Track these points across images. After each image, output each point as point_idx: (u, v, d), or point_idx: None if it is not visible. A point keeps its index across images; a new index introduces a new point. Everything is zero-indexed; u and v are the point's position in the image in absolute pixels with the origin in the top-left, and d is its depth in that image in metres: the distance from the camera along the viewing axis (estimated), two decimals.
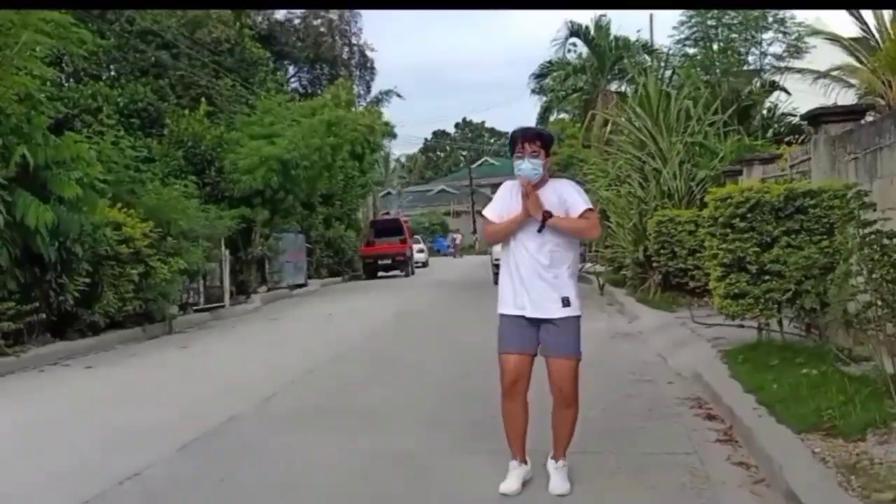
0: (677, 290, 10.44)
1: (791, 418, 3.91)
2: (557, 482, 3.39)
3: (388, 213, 32.65)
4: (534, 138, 3.43)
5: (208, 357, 8.42)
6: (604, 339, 8.11)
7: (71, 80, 15.37)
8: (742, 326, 6.45)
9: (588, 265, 15.59)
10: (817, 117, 6.24)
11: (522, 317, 3.40)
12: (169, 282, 10.17)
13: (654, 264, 10.88)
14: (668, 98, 12.37)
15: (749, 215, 5.67)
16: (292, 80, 27.52)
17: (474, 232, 44.45)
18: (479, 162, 59.96)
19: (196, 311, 12.27)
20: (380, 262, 24.31)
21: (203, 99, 16.09)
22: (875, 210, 4.60)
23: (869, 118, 5.75)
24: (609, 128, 14.87)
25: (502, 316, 3.47)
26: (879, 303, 4.05)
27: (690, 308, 9.01)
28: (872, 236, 4.19)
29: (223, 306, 13.34)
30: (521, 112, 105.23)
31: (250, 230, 15.64)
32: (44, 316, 8.18)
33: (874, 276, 4.07)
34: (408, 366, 7.08)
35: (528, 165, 3.39)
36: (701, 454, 3.86)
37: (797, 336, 5.96)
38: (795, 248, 5.51)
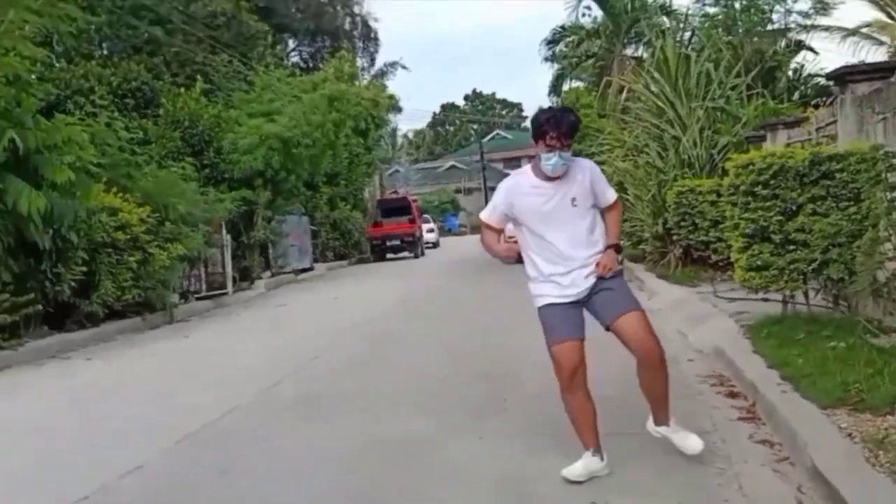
0: (699, 263, 10.16)
1: (816, 393, 3.76)
2: (688, 440, 3.29)
3: (395, 192, 32.19)
4: (570, 133, 3.13)
5: (211, 346, 8.26)
6: None
7: (62, 60, 14.99)
8: (766, 300, 6.22)
9: None
10: (843, 76, 5.93)
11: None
12: (168, 269, 9.94)
13: (675, 237, 10.58)
14: (687, 61, 11.83)
15: (772, 182, 5.41)
16: (292, 53, 26.97)
17: None
18: (490, 135, 59.13)
19: (198, 298, 12.08)
20: (388, 243, 23.87)
21: (199, 76, 15.72)
22: None
23: None
24: (625, 95, 14.38)
25: (546, 306, 3.28)
26: None
27: (713, 282, 8.75)
28: None
29: (226, 293, 13.14)
30: (534, 81, 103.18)
31: (252, 213, 15.35)
32: (40, 307, 8.01)
33: None
34: (415, 350, 6.91)
35: (560, 161, 3.15)
36: (722, 433, 3.74)
37: (824, 308, 5.75)
38: (821, 216, 5.25)
